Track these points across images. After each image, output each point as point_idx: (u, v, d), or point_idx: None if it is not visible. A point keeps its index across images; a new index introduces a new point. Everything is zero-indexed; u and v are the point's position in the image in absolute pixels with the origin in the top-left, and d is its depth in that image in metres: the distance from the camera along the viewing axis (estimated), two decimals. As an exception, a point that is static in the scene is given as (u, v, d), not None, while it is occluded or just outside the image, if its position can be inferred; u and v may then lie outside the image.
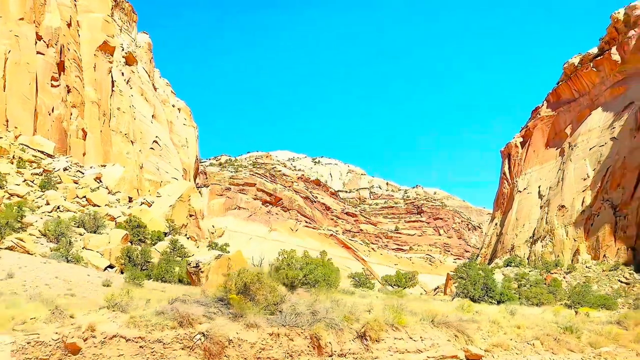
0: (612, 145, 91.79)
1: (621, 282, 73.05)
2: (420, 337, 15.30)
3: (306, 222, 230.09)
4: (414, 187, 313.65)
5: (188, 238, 60.99)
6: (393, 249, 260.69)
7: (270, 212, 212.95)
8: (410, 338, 15.10)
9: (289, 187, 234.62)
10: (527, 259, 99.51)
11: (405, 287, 43.26)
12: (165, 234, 49.29)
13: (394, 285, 43.52)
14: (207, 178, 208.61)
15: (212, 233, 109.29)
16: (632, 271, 73.61)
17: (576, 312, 25.04)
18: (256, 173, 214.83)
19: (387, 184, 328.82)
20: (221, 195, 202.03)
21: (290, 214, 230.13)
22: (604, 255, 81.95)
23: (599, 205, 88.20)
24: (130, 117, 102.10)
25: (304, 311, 15.05)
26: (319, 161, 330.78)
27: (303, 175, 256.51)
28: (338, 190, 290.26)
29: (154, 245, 41.69)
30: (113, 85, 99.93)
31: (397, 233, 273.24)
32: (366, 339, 14.56)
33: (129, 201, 62.40)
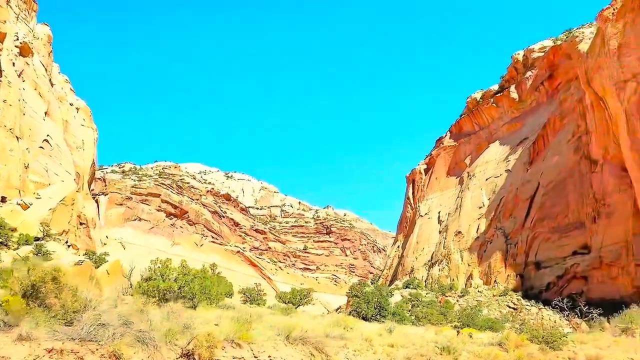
0: (507, 177, 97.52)
1: (509, 307, 76.56)
2: (269, 356, 13.13)
3: (212, 237, 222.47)
4: (325, 208, 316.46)
5: (69, 246, 55.12)
6: (300, 268, 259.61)
7: (175, 225, 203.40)
8: (254, 357, 12.87)
9: (197, 200, 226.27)
10: (425, 281, 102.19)
11: (299, 305, 41.55)
12: (38, 238, 43.80)
13: (288, 302, 41.65)
14: (106, 186, 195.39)
15: (105, 244, 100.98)
16: (519, 297, 77.49)
17: (458, 332, 24.73)
18: (162, 183, 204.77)
19: (299, 203, 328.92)
20: (121, 204, 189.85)
21: (196, 228, 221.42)
22: (495, 281, 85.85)
23: (492, 232, 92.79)
24: (18, 111, 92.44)
25: (113, 322, 12.13)
26: (231, 176, 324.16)
27: (213, 189, 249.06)
28: (249, 207, 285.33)
29: (16, 250, 36.53)
30: (0, 75, 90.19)
31: (305, 252, 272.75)
32: (194, 358, 11.99)
33: (1, 201, 55.45)
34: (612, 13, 71.46)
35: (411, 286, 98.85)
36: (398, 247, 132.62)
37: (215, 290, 28.26)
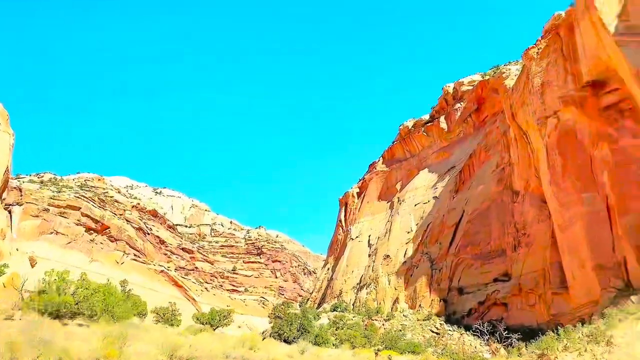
0: (434, 204, 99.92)
1: (432, 331, 77.31)
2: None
3: (135, 255, 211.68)
4: (257, 228, 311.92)
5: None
6: (228, 290, 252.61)
7: (94, 240, 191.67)
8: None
9: (121, 215, 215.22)
10: (353, 304, 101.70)
11: (218, 326, 39.20)
12: None
13: (206, 323, 39.17)
14: (22, 196, 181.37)
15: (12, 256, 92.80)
16: (442, 322, 78.52)
17: (377, 354, 23.84)
18: (83, 196, 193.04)
19: (230, 222, 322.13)
20: (37, 216, 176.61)
21: (118, 245, 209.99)
22: (420, 305, 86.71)
23: (419, 257, 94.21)
24: None
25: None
26: (160, 192, 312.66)
27: (139, 204, 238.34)
28: (177, 224, 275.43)
29: None
30: None
31: (234, 273, 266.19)
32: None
33: None
34: (537, 52, 75.89)
35: (338, 309, 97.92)
36: (328, 269, 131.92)
37: (122, 307, 25.64)
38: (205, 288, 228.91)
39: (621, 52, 59.53)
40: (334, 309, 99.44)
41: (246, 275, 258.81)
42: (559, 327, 48.89)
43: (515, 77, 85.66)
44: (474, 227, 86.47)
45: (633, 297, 48.38)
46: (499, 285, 78.06)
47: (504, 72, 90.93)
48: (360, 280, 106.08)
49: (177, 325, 37.88)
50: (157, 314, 40.52)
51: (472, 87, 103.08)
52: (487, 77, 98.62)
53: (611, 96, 63.67)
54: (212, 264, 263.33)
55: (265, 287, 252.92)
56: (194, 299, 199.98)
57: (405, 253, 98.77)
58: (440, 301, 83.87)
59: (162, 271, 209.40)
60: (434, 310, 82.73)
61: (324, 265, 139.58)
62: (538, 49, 75.70)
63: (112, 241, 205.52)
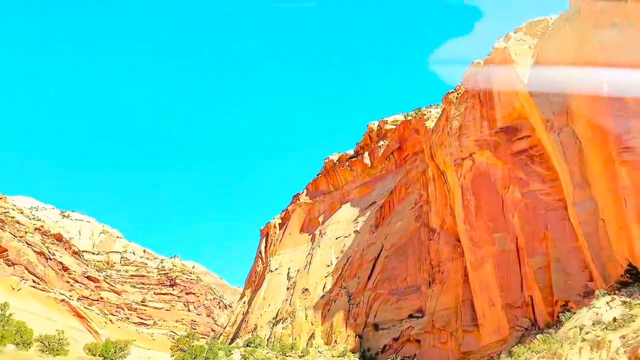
0: (355, 238, 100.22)
1: (346, 368, 75.92)
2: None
3: (34, 281, 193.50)
4: (171, 258, 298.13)
5: None
6: (135, 323, 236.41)
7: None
8: None
9: (21, 237, 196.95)
10: (268, 340, 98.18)
11: (112, 359, 35.30)
12: None
13: (99, 354, 35.20)
14: None
15: None
16: (357, 358, 77.33)
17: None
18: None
19: (144, 251, 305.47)
20: None
21: (16, 269, 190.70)
22: (336, 341, 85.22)
23: (337, 292, 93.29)
24: None
25: None
26: (68, 215, 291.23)
27: (42, 227, 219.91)
28: (84, 251, 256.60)
29: None
30: None
31: (143, 305, 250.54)
32: None
33: None
34: (456, 97, 79.68)
35: (252, 344, 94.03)
36: (244, 302, 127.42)
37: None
38: (110, 320, 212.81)
39: (533, 101, 63.72)
40: (247, 344, 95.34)
41: (156, 308, 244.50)
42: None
43: (435, 119, 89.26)
44: (392, 262, 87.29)
45: (539, 336, 49.84)
46: (413, 321, 78.57)
47: (425, 114, 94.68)
48: (277, 315, 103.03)
49: (64, 355, 33.64)
50: (42, 342, 35.81)
51: (395, 126, 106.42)
52: (409, 118, 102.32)
53: (523, 142, 67.57)
54: (120, 295, 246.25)
55: (176, 321, 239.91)
56: (96, 332, 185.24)
57: (324, 287, 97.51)
58: (356, 337, 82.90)
59: (63, 300, 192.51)
60: (349, 347, 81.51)
61: (240, 299, 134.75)
62: (457, 94, 79.56)
63: (9, 265, 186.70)
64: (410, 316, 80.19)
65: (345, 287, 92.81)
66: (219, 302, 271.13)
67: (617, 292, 46.24)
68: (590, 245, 53.87)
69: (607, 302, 45.14)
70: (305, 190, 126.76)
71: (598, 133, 55.08)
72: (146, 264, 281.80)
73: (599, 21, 57.57)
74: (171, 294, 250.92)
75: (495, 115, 72.21)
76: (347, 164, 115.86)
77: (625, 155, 50.52)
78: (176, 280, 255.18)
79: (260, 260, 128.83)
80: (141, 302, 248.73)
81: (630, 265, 48.19)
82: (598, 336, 40.01)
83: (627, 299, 43.69)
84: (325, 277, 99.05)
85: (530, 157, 65.97)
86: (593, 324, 43.15)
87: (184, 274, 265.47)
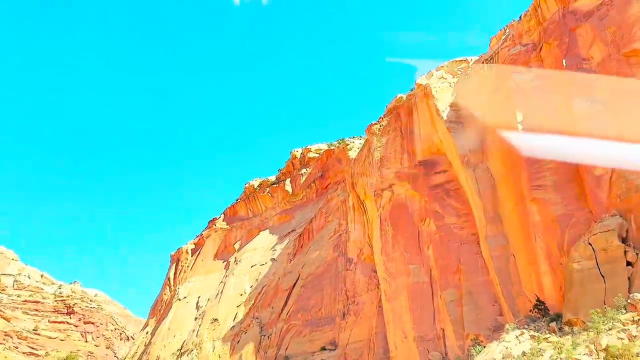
0: (272, 266, 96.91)
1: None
2: None
3: None
4: (71, 284, 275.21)
5: None
6: (25, 353, 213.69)
7: None
8: None
9: None
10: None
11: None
12: None
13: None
14: None
15: None
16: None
17: None
18: None
19: (41, 275, 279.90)
20: None
21: None
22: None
23: (249, 322, 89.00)
24: None
25: None
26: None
27: None
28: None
29: None
30: None
31: (35, 333, 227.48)
32: None
33: None
34: (379, 129, 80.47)
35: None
36: (147, 333, 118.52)
37: None
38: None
39: (451, 137, 65.31)
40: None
41: (50, 337, 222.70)
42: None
43: (358, 149, 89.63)
44: (307, 292, 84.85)
45: (449, 369, 49.29)
46: (326, 354, 76.11)
47: (348, 144, 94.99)
48: (182, 346, 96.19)
49: None
50: None
51: (318, 155, 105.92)
52: (333, 147, 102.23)
53: (440, 176, 68.88)
54: (9, 321, 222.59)
55: (71, 352, 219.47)
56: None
57: (235, 317, 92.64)
58: (265, 371, 78.78)
59: None
60: (257, 381, 77.18)
61: (143, 328, 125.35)
62: (380, 126, 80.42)
63: None
64: (323, 349, 77.68)
65: (257, 318, 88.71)
66: (120, 333, 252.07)
67: (526, 326, 46.86)
68: (500, 279, 54.85)
69: (517, 336, 45.50)
70: (222, 215, 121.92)
71: (511, 170, 57.08)
72: (42, 289, 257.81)
73: (516, 63, 60.62)
74: (68, 323, 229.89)
75: (415, 148, 73.44)
76: (268, 190, 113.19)
77: (536, 193, 52.40)
78: (74, 308, 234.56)
79: (168, 287, 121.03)
80: (33, 330, 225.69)
81: (538, 300, 49.31)
82: (508, 370, 39.86)
83: (536, 334, 44.27)
84: (238, 306, 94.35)
85: (446, 191, 67.20)
86: (503, 358, 43.11)
87: (83, 301, 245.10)
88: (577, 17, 54.83)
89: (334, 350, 76.76)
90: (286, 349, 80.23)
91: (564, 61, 55.62)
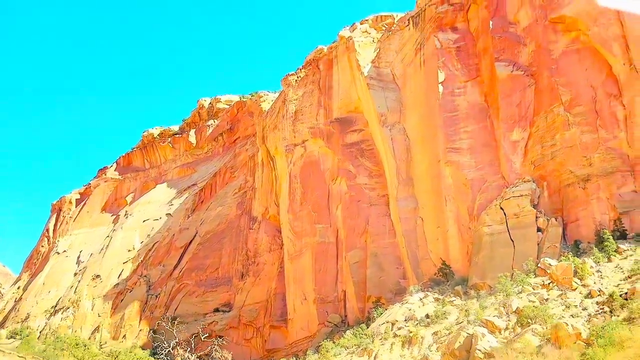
0: (166, 221, 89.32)
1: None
2: None
3: None
4: None
5: None
6: None
7: None
8: None
9: None
10: (41, 332, 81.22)
11: None
12: None
13: None
14: None
15: None
16: (146, 355, 66.69)
17: None
18: None
19: None
20: None
21: None
22: (124, 336, 73.53)
23: (136, 280, 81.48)
24: None
25: None
26: None
27: None
28: None
29: None
30: None
31: None
32: None
33: None
34: (296, 80, 75.23)
35: (19, 336, 76.91)
36: (19, 287, 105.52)
37: None
38: None
39: (370, 94, 61.82)
40: (11, 336, 77.73)
41: None
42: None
43: (272, 101, 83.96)
44: (205, 250, 78.90)
45: (349, 331, 46.59)
46: (219, 315, 71.30)
47: (261, 96, 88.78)
48: (57, 303, 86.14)
49: None
50: None
51: (229, 106, 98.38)
52: (245, 99, 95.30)
53: (355, 135, 65.50)
54: None
55: None
56: None
57: (120, 274, 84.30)
58: (149, 332, 72.24)
59: None
60: (140, 342, 70.66)
61: (14, 283, 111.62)
62: (297, 77, 75.25)
63: None
64: (217, 310, 72.77)
65: (146, 276, 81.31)
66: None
67: (430, 289, 45.14)
68: (407, 242, 52.90)
69: (420, 299, 43.65)
70: (114, 164, 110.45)
71: (428, 132, 54.92)
72: None
73: (441, 23, 58.04)
74: None
75: (332, 104, 69.39)
76: (169, 140, 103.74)
77: (451, 156, 50.56)
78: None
79: (46, 239, 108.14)
80: None
81: (444, 264, 47.82)
82: (411, 332, 37.57)
83: (440, 297, 42.59)
84: (124, 263, 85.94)
85: (361, 150, 64.10)
86: (405, 320, 40.94)
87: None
88: (509, -22, 52.96)
89: (229, 312, 72.12)
90: (175, 309, 74.18)
91: (490, 23, 53.97)
